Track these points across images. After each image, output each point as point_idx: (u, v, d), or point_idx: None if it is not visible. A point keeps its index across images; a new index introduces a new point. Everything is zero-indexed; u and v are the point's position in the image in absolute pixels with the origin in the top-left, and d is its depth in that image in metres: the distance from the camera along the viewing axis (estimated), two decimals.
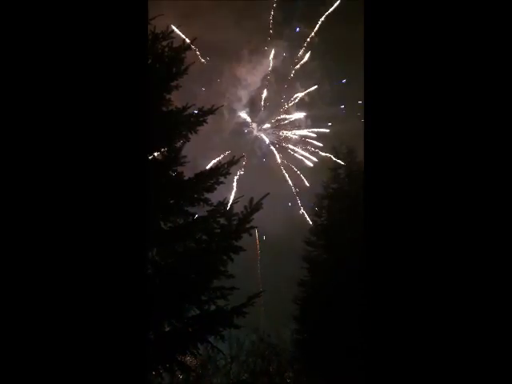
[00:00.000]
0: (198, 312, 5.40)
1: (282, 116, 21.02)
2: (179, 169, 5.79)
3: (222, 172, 5.69)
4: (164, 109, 5.92)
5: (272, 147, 21.06)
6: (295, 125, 20.80)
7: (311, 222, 11.57)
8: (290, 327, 10.95)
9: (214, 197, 5.74)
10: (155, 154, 5.82)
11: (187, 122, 6.02)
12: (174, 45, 6.06)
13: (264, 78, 20.75)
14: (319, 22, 19.15)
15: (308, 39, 19.64)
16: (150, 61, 5.78)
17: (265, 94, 20.81)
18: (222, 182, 5.73)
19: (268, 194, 5.50)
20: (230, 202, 5.52)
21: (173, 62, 5.97)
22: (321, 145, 20.33)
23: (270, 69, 20.28)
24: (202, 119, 6.08)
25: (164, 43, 6.01)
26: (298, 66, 20.17)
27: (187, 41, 6.33)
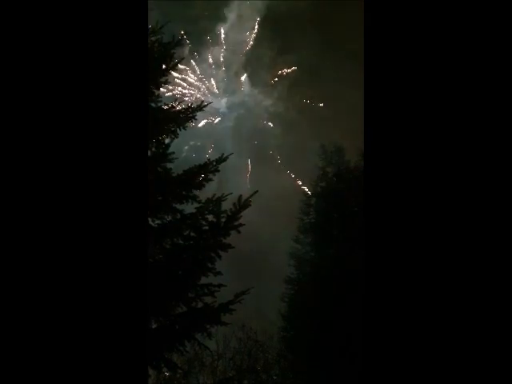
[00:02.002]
0: (185, 309, 5.38)
1: None
2: (167, 165, 5.76)
3: (210, 169, 5.68)
4: (153, 104, 5.87)
5: None
6: None
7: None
8: (277, 324, 11.00)
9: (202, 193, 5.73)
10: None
11: (176, 118, 5.98)
12: (164, 40, 6.02)
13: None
14: None
15: None
16: None
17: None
18: (210, 179, 5.71)
19: (257, 191, 5.51)
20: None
21: (162, 57, 5.92)
22: None
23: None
24: (190, 115, 6.06)
25: (153, 38, 5.96)
26: None
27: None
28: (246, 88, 20.45)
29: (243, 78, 20.35)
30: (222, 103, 20.52)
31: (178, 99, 6.47)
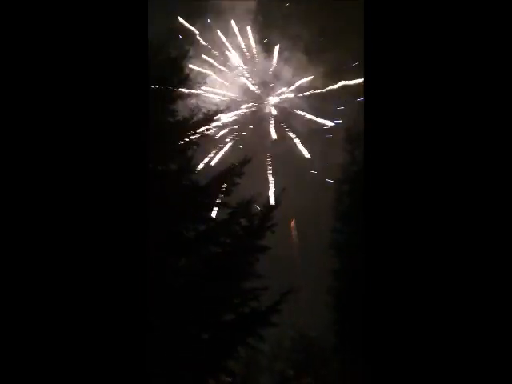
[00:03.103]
0: (233, 316, 5.40)
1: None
2: (193, 176, 5.82)
3: (235, 173, 5.68)
4: (171, 119, 5.95)
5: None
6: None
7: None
8: (328, 318, 10.82)
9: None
10: (168, 164, 5.88)
11: (196, 129, 6.04)
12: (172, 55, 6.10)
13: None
14: None
15: None
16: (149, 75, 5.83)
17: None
18: (237, 183, 5.72)
19: (284, 189, 5.45)
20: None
21: (173, 72, 6.00)
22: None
23: None
24: (209, 124, 6.10)
25: (162, 55, 6.05)
26: None
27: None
28: (267, 60, 17.91)
29: (276, 51, 17.29)
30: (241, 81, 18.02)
31: (195, 108, 6.54)
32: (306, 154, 18.73)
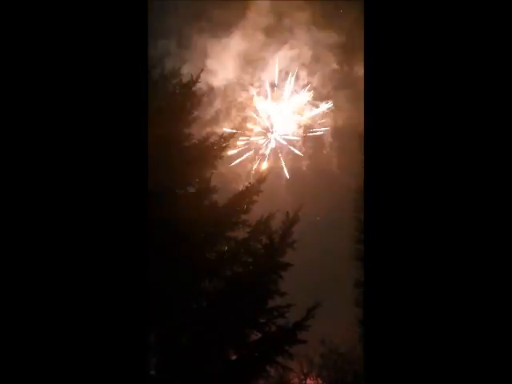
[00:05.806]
0: (260, 335, 5.37)
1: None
2: (213, 197, 5.89)
3: (253, 191, 5.74)
4: (186, 143, 6.09)
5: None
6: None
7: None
8: (358, 332, 10.55)
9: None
10: (187, 187, 5.99)
11: (212, 151, 6.15)
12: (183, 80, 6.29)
13: None
14: None
15: None
16: (163, 102, 6.02)
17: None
18: (255, 201, 5.77)
19: (303, 204, 5.46)
20: None
21: (185, 97, 6.17)
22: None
23: None
24: (224, 145, 6.21)
25: (174, 81, 6.24)
26: None
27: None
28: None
29: None
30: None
31: (210, 131, 6.67)
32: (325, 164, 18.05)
